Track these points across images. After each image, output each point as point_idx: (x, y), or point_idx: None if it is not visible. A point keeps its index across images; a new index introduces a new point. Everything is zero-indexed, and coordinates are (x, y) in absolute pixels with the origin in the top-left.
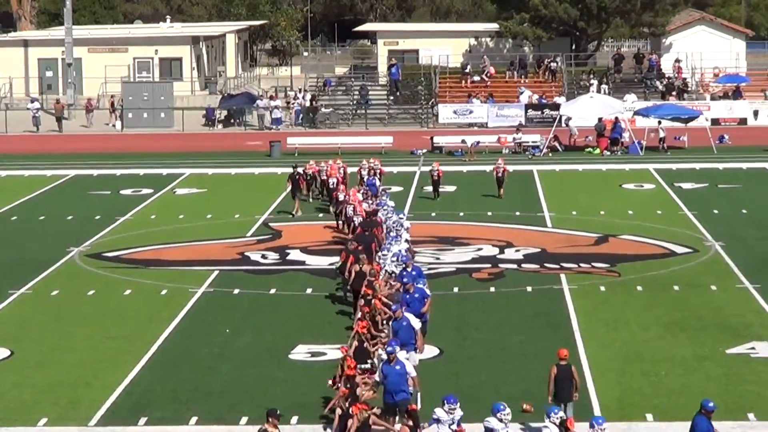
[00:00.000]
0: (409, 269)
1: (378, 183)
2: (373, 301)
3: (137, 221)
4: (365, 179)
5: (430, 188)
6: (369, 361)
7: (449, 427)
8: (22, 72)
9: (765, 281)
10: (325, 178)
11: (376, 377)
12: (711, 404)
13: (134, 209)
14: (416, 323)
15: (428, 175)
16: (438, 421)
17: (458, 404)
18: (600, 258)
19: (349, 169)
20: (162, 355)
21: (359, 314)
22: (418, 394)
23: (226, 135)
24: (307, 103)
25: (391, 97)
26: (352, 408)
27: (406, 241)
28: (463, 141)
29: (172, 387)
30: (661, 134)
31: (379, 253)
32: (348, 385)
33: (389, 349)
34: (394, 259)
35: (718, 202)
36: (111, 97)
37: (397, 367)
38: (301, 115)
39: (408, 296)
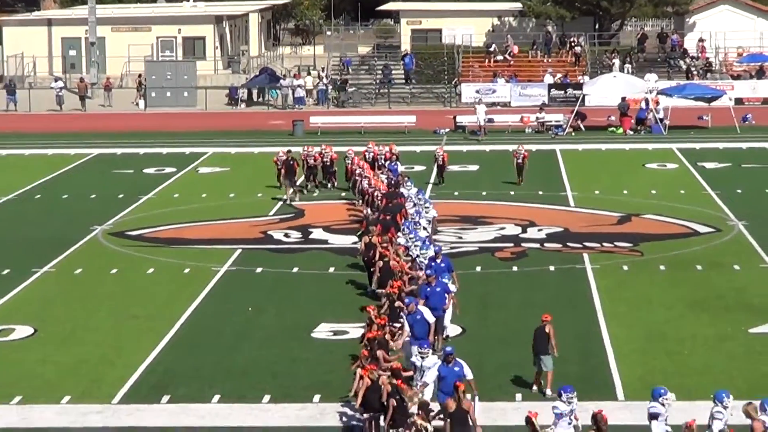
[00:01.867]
0: (438, 260)
1: (400, 168)
2: (391, 263)
3: (160, 200)
4: (386, 165)
5: (454, 167)
6: (400, 320)
7: (569, 417)
8: (45, 51)
9: None
10: (328, 162)
11: (427, 379)
12: None
13: (157, 188)
14: (430, 317)
15: (433, 158)
16: (561, 415)
17: (575, 393)
18: (623, 237)
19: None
20: (184, 334)
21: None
22: (476, 398)
23: (249, 114)
24: (319, 84)
25: (413, 81)
26: (360, 370)
27: (424, 228)
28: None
29: (195, 365)
30: (660, 114)
31: (399, 234)
32: (369, 347)
33: (448, 349)
34: (418, 244)
35: (742, 181)
36: (138, 76)
37: (456, 369)
38: (325, 94)
39: (429, 289)
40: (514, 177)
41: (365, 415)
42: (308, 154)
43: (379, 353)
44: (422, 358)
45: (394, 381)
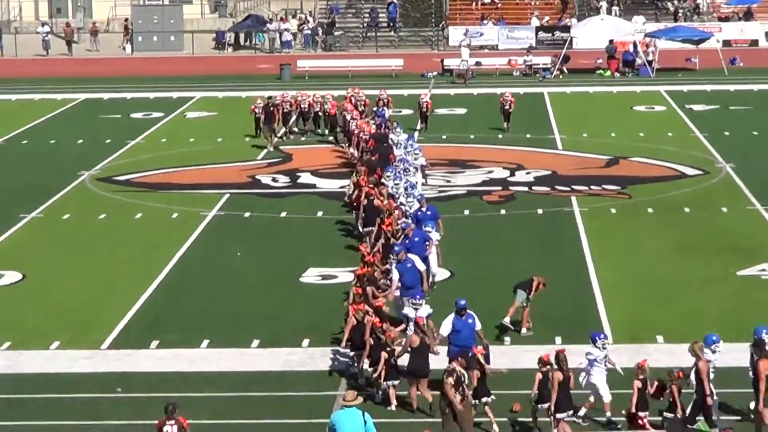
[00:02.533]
0: (424, 209)
1: (388, 113)
2: (375, 201)
3: (148, 145)
4: (375, 110)
5: (442, 110)
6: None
7: (604, 362)
8: None
9: None
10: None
11: (443, 330)
12: None
13: (145, 133)
14: (421, 265)
15: (417, 105)
16: (595, 361)
17: (609, 338)
18: (611, 180)
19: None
20: (173, 279)
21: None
22: (488, 346)
23: (236, 58)
24: (305, 28)
25: (399, 26)
26: (350, 308)
27: (413, 174)
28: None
29: (184, 310)
30: (651, 56)
31: (386, 176)
32: (359, 284)
33: (462, 302)
34: (405, 189)
35: (729, 123)
36: (125, 20)
37: (470, 321)
38: (312, 38)
39: (408, 240)
40: (502, 122)
41: (351, 353)
42: (284, 100)
43: (369, 290)
44: (415, 309)
45: (374, 319)
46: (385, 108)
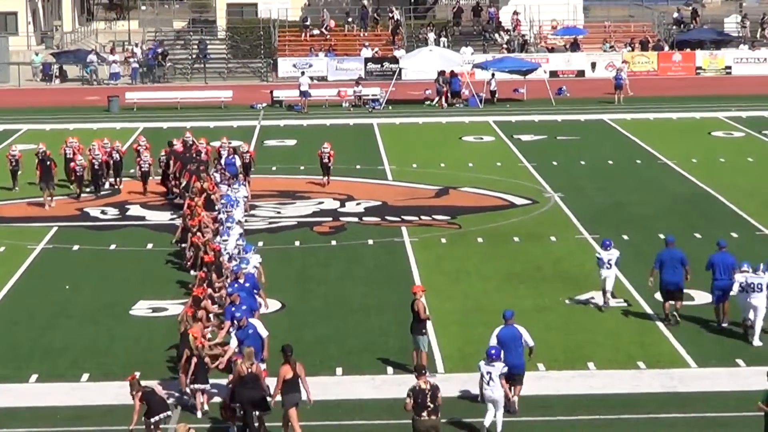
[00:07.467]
0: (241, 280)
1: (239, 164)
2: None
3: None
4: (223, 158)
5: (272, 142)
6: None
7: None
8: None
9: (603, 232)
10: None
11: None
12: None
13: None
14: (263, 331)
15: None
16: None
17: None
18: (441, 210)
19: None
20: (0, 313)
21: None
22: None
23: (64, 90)
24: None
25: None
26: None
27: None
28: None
29: (12, 345)
30: (493, 86)
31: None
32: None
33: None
34: (238, 241)
35: (557, 153)
36: None
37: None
38: (140, 71)
39: (234, 308)
40: (322, 174)
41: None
42: (67, 145)
43: (214, 277)
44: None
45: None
46: (235, 156)
